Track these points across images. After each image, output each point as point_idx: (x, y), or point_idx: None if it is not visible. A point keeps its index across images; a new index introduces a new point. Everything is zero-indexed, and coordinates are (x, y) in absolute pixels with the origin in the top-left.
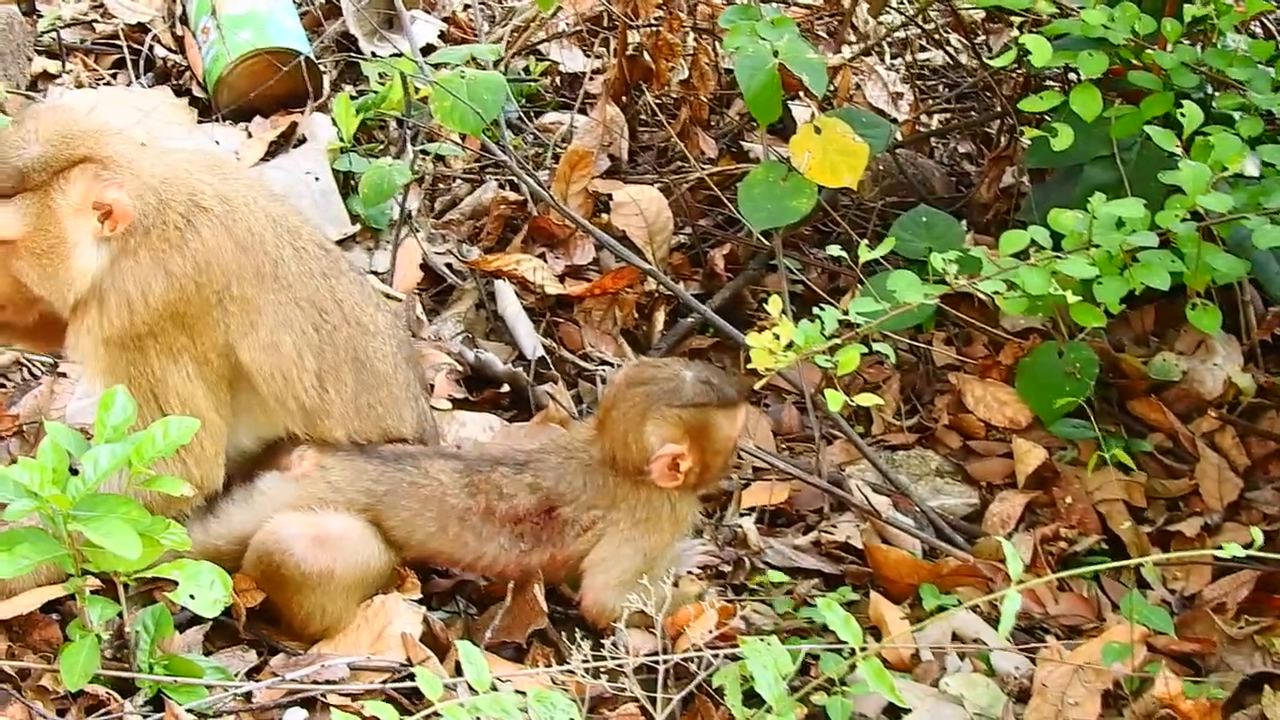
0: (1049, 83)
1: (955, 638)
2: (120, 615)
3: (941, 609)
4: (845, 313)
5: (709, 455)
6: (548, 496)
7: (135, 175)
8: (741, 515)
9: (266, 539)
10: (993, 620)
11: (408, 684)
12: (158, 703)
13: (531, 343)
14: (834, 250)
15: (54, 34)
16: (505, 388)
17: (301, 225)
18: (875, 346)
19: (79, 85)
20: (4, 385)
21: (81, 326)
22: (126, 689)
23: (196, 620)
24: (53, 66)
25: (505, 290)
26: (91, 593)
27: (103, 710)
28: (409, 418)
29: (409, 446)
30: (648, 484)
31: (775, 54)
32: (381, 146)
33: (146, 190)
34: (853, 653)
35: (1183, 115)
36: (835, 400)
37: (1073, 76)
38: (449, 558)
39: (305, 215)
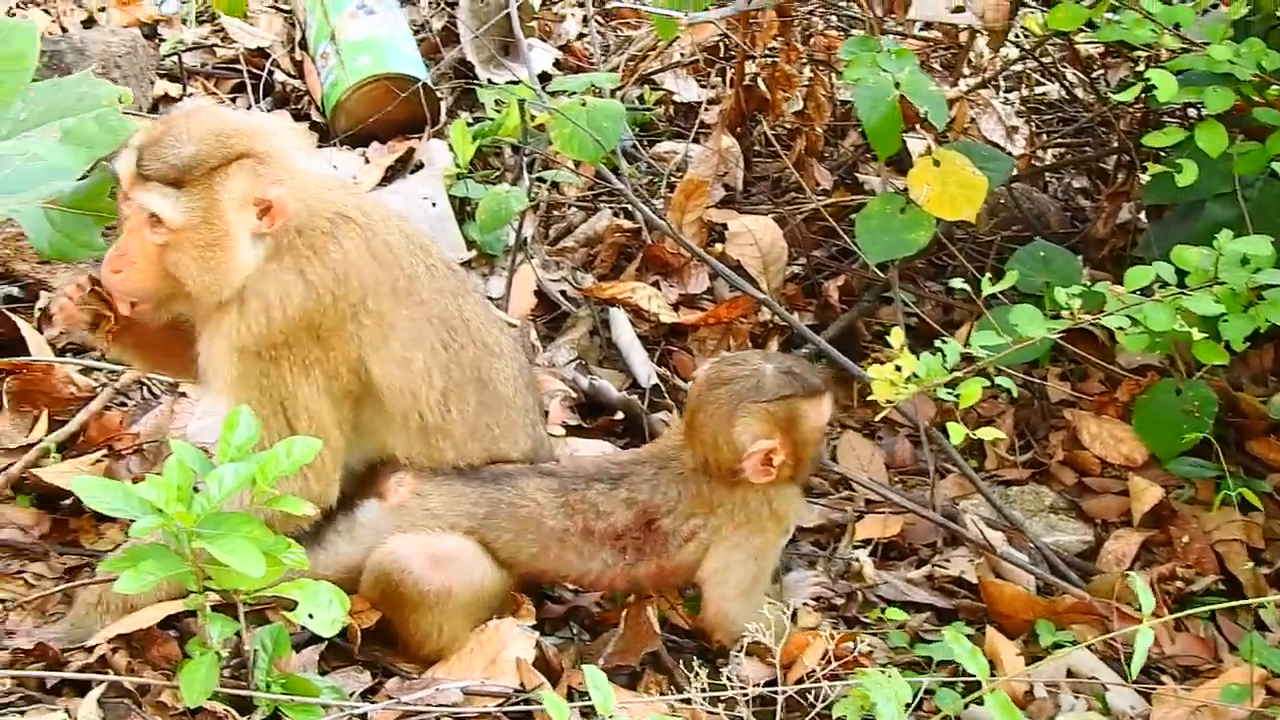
0: (1166, 118)
1: (1070, 675)
2: (238, 634)
3: (1058, 646)
4: (965, 345)
5: (800, 446)
6: (645, 510)
7: (290, 174)
8: (855, 548)
9: (384, 559)
10: (1107, 658)
11: (520, 708)
12: None
13: (646, 370)
14: (956, 283)
15: (175, 58)
16: (619, 415)
17: (431, 244)
18: (997, 380)
19: None
20: (125, 404)
21: (218, 331)
22: (244, 707)
23: (312, 640)
24: (174, 90)
25: (619, 318)
26: (211, 610)
27: None
28: (522, 442)
29: (505, 466)
30: (743, 485)
31: (896, 86)
32: (497, 173)
33: (300, 190)
34: (966, 689)
35: None
36: (957, 433)
37: (1193, 112)
38: (555, 575)
39: (430, 235)
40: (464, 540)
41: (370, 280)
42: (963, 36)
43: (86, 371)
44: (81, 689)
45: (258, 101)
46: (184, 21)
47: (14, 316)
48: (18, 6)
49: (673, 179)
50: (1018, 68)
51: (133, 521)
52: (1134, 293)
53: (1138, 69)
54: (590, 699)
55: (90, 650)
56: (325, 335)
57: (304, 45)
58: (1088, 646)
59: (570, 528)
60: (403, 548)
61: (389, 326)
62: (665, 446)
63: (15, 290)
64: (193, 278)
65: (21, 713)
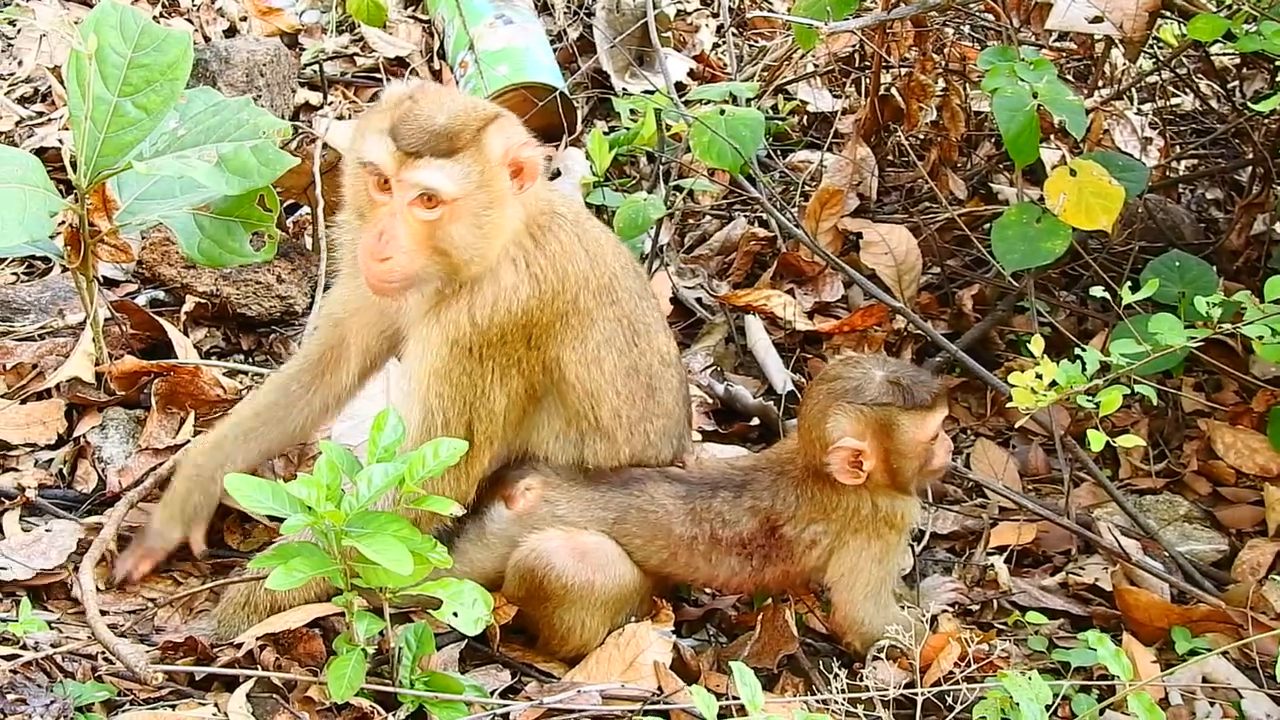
0: None
1: (1205, 681)
2: (382, 632)
3: (1193, 653)
4: (1103, 354)
5: (893, 457)
6: (768, 516)
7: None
8: (989, 554)
9: (527, 556)
10: (1243, 666)
11: (660, 708)
12: (418, 717)
13: (782, 377)
14: (1096, 291)
15: (316, 66)
16: (754, 421)
17: (620, 243)
18: (1137, 388)
19: (340, 117)
20: None
21: (438, 321)
22: (388, 703)
23: (452, 639)
24: (314, 98)
25: (755, 325)
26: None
27: None
28: (666, 451)
29: (632, 469)
30: (847, 490)
31: (1034, 96)
32: (633, 181)
33: None
34: (1101, 696)
35: None
36: (1097, 441)
37: None
38: (683, 578)
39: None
40: (604, 537)
41: (582, 276)
42: (1098, 47)
43: (232, 374)
44: (230, 684)
45: None
46: (324, 31)
47: (161, 319)
48: (160, 16)
49: (807, 188)
50: (1152, 79)
51: (282, 520)
52: (1274, 303)
53: (1276, 79)
54: (728, 702)
55: (238, 647)
56: (538, 335)
57: (442, 54)
58: (1223, 654)
59: (698, 535)
60: (546, 543)
61: (590, 325)
62: (782, 451)
63: (161, 294)
64: (466, 247)
65: (173, 706)
